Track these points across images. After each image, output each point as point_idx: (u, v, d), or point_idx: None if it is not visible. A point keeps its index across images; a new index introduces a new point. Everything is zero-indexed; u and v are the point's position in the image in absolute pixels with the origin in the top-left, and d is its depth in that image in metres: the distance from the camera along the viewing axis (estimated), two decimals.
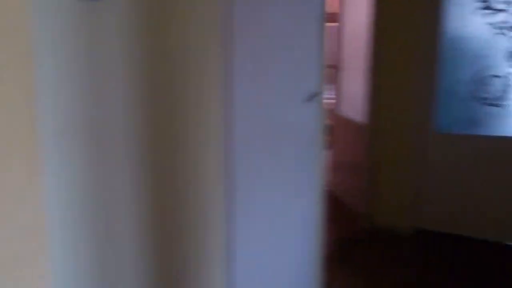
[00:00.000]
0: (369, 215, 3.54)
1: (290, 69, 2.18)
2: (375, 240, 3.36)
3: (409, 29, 3.20)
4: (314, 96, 2.33)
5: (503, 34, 2.98)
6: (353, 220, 3.63)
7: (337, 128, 4.06)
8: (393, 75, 3.32)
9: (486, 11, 3.00)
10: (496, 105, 3.09)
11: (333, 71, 3.93)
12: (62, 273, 1.13)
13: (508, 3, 2.95)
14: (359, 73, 3.64)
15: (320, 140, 2.44)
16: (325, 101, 2.43)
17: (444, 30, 3.13)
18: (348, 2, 3.83)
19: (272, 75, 2.09)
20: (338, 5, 3.90)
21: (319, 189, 2.46)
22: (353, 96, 3.83)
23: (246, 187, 1.99)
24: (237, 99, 1.88)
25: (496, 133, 3.14)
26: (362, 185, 3.59)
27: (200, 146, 1.72)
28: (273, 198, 2.17)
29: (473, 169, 3.24)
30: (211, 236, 1.84)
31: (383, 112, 3.39)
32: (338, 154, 4.09)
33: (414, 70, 3.23)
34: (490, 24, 3.01)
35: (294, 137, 2.28)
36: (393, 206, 3.48)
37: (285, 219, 2.25)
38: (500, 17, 2.98)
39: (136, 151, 1.38)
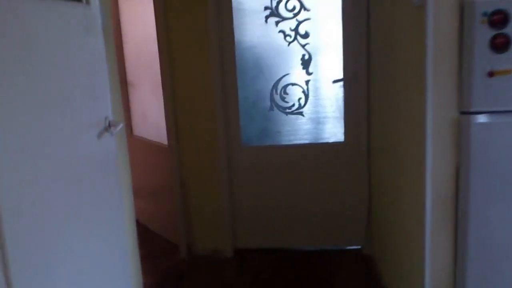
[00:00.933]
0: (187, 244, 3.20)
1: (71, 94, 1.67)
2: (197, 272, 3.04)
3: (201, 42, 2.94)
4: (111, 125, 1.90)
5: (296, 40, 2.97)
6: (171, 253, 3.25)
7: (131, 151, 3.59)
8: (191, 92, 3.03)
9: (276, 18, 2.95)
10: (297, 114, 3.08)
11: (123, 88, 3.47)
12: None
13: (291, 10, 2.93)
14: (152, 90, 3.27)
15: (125, 171, 2.13)
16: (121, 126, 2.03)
17: (239, 40, 2.98)
18: (127, 13, 3.41)
19: (50, 105, 1.55)
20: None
21: (130, 225, 2.13)
22: (148, 114, 3.44)
23: (38, 241, 1.43)
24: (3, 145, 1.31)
25: (299, 141, 3.12)
26: (173, 213, 3.23)
27: None
28: (79, 247, 1.65)
29: (280, 180, 3.17)
30: None
31: (184, 130, 3.08)
32: (136, 180, 3.62)
33: (212, 85, 2.99)
34: (282, 32, 2.96)
35: (93, 174, 1.80)
36: (209, 230, 3.21)
37: (93, 268, 1.75)
38: (289, 24, 2.96)
39: None
